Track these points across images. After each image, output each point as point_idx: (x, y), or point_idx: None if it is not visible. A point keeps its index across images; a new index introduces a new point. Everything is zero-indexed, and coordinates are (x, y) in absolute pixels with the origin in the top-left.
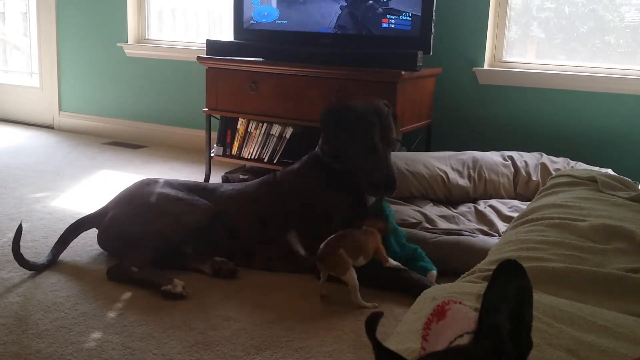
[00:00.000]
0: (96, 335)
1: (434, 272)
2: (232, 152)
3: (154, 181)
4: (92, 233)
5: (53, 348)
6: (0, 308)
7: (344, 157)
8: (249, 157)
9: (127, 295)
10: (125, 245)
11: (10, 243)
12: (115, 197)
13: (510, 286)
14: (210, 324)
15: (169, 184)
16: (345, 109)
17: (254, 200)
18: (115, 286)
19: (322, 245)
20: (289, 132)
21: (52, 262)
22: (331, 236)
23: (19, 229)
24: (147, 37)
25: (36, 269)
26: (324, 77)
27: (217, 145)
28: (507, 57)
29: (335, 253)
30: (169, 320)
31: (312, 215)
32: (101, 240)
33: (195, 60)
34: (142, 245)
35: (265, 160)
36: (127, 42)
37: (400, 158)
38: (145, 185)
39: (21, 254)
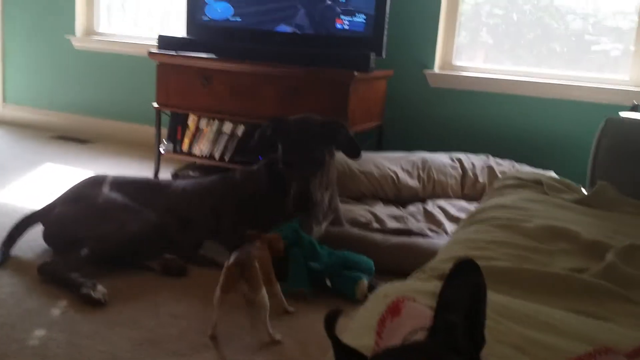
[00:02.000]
0: (40, 332)
1: (365, 281)
2: (183, 149)
3: (104, 179)
4: (37, 229)
5: None
6: None
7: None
8: (199, 155)
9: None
10: (68, 244)
11: None
12: (64, 193)
13: (465, 284)
14: (158, 322)
15: (119, 184)
16: (278, 122)
17: (209, 192)
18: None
19: (236, 256)
20: (240, 130)
21: (5, 260)
22: (238, 251)
23: None
24: (96, 30)
25: None
26: (277, 76)
27: (167, 141)
28: (456, 61)
29: (252, 265)
30: (117, 318)
31: (260, 215)
32: (46, 237)
33: (146, 55)
34: (83, 247)
35: (217, 158)
36: (75, 34)
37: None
38: (94, 185)
39: None
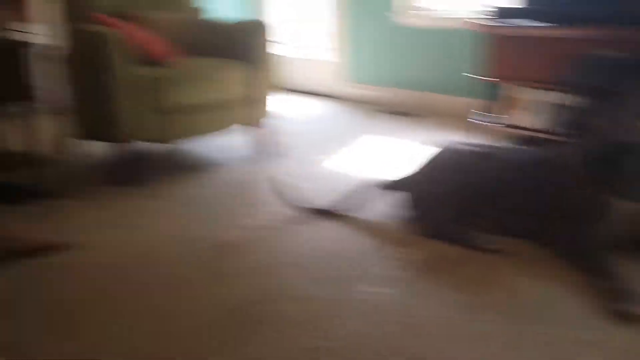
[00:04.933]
0: (373, 289)
1: None
2: (505, 121)
3: (458, 144)
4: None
5: (333, 296)
6: (289, 256)
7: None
8: (518, 126)
9: (401, 254)
10: (432, 206)
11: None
12: (424, 163)
13: None
14: (488, 291)
15: (473, 146)
16: (596, 61)
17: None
18: (398, 246)
19: None
20: (565, 100)
21: (336, 212)
22: None
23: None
24: (415, 6)
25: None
26: (614, 41)
27: (487, 113)
28: None
29: None
30: (446, 283)
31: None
32: (410, 203)
33: (460, 27)
34: (454, 206)
35: (538, 129)
36: (396, 11)
37: None
38: (452, 149)
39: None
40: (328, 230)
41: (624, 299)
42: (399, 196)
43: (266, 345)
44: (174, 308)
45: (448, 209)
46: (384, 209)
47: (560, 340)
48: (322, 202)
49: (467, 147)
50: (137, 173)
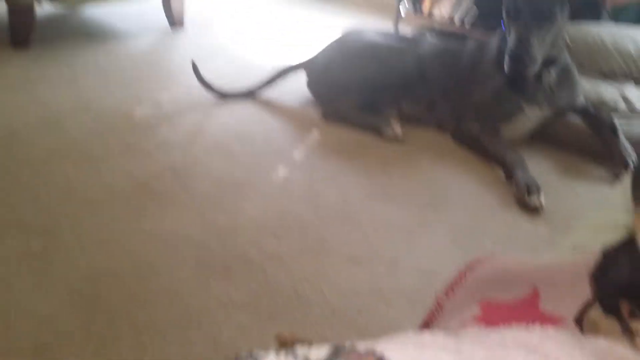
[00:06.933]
0: (283, 171)
1: None
2: (423, 11)
3: (361, 31)
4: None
5: (248, 175)
6: (203, 133)
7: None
8: (439, 18)
9: (312, 137)
10: (334, 89)
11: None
12: (325, 47)
13: None
14: (389, 179)
15: (378, 33)
16: None
17: (446, 56)
18: (302, 128)
19: None
20: None
21: (249, 95)
22: None
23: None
24: None
25: (226, 96)
26: None
27: (407, 2)
28: None
29: None
30: (350, 168)
31: (463, 86)
32: (310, 83)
33: None
34: (351, 89)
35: (456, 23)
36: None
37: (607, 33)
38: (354, 34)
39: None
40: (240, 112)
41: (528, 191)
42: (305, 78)
43: (167, 218)
44: (79, 178)
45: (351, 94)
46: (295, 92)
47: (466, 227)
48: (235, 84)
49: (375, 36)
50: (34, 36)
